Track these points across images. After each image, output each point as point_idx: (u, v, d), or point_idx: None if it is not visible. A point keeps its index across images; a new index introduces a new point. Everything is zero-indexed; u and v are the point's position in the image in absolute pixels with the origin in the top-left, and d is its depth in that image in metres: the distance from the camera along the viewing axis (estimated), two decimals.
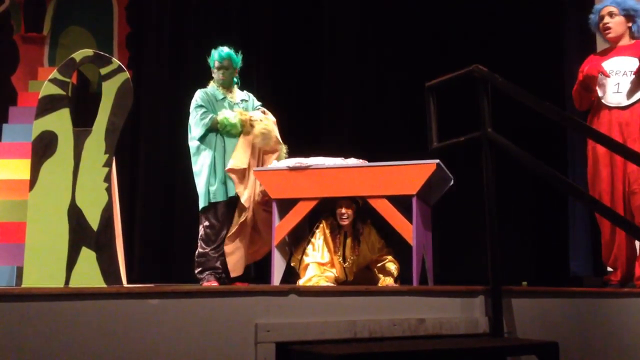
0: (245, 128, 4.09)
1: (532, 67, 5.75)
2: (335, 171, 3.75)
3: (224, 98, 4.27)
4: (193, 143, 4.18)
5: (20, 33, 5.62)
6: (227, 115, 4.10)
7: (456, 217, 5.45)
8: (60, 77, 3.24)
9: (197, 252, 4.11)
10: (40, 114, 3.17)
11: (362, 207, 3.79)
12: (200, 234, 4.11)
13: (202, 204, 4.09)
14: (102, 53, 3.37)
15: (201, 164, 4.13)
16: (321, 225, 3.84)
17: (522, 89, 2.98)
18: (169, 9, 6.01)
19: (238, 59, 4.34)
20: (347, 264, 3.81)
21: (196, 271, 4.08)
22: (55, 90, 3.21)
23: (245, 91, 4.48)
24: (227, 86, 4.32)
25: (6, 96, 5.33)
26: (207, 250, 4.05)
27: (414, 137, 5.10)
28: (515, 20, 5.96)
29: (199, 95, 4.23)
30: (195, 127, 4.15)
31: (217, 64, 4.29)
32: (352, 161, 3.85)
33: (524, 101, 2.99)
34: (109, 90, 3.24)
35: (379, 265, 3.83)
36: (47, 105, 3.18)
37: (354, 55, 6.05)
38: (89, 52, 3.35)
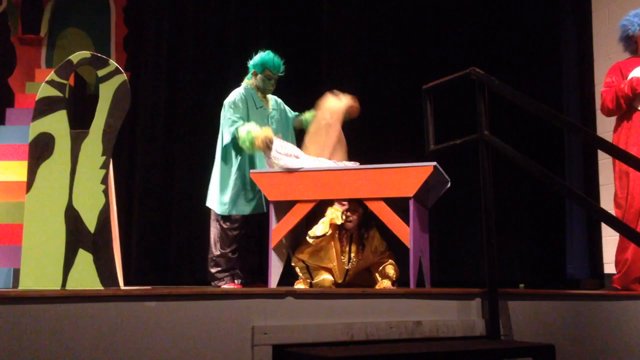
0: (258, 149, 3.89)
1: (529, 70, 5.77)
2: (333, 173, 3.76)
3: (262, 107, 4.19)
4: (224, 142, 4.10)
5: (18, 34, 5.62)
6: (245, 131, 3.88)
7: (453, 219, 5.47)
8: (57, 79, 3.23)
9: (215, 252, 4.08)
10: (38, 115, 3.17)
11: (368, 212, 3.80)
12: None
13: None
14: (99, 55, 3.36)
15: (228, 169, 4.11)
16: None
17: (518, 92, 2.99)
18: (167, 10, 6.01)
19: None
20: (349, 266, 3.81)
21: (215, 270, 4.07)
22: (53, 92, 3.20)
23: (274, 96, 4.38)
24: (268, 94, 4.25)
25: (3, 98, 5.33)
26: (226, 252, 4.05)
27: (411, 139, 5.11)
28: (512, 24, 5.98)
29: (235, 97, 4.11)
30: (226, 131, 4.05)
31: (269, 72, 4.15)
32: (345, 164, 3.87)
33: (520, 104, 2.99)
34: (106, 92, 3.23)
35: (380, 268, 3.83)
36: (44, 107, 3.18)
37: (352, 57, 6.06)
38: (86, 53, 3.35)
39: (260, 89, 4.22)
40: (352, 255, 3.81)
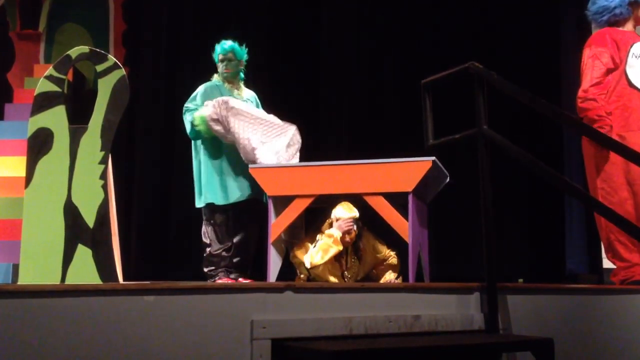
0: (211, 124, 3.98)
1: (528, 63, 5.76)
2: (332, 168, 3.76)
3: (230, 94, 4.22)
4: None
5: (16, 30, 5.61)
6: (198, 115, 4.03)
7: (452, 214, 5.47)
8: (56, 74, 3.22)
9: (208, 250, 4.14)
10: (36, 111, 3.16)
11: (360, 225, 3.78)
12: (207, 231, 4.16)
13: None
14: (98, 50, 3.36)
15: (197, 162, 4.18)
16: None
17: (517, 86, 2.98)
18: (166, 6, 6.00)
19: (243, 51, 4.32)
20: (349, 275, 3.80)
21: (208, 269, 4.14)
22: (51, 87, 3.20)
23: (251, 91, 4.44)
24: (232, 80, 4.29)
25: (2, 93, 5.32)
26: (222, 248, 4.10)
27: (409, 134, 5.10)
28: (511, 16, 5.97)
29: (198, 90, 4.23)
30: (186, 122, 4.17)
31: (220, 56, 4.27)
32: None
33: (519, 98, 2.99)
34: (105, 88, 3.23)
35: (384, 264, 3.85)
36: (43, 103, 3.17)
37: (351, 52, 6.06)
38: (84, 49, 3.34)
39: (222, 76, 4.29)
40: (349, 266, 3.80)
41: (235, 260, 4.16)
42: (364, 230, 3.84)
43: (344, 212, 3.70)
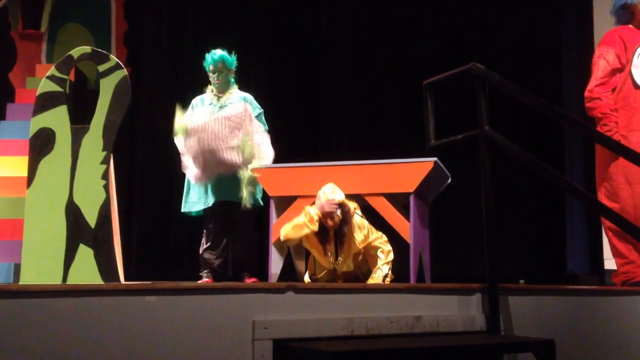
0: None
1: (530, 62, 5.77)
2: (333, 169, 3.76)
3: (211, 103, 4.23)
4: None
5: (18, 30, 5.61)
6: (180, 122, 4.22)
7: (454, 214, 5.47)
8: (57, 74, 3.23)
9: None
10: (38, 111, 3.17)
11: (347, 210, 3.64)
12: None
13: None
14: (100, 50, 3.36)
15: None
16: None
17: (519, 87, 2.98)
18: (167, 5, 6.01)
19: (232, 59, 4.25)
20: (337, 262, 3.72)
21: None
22: (53, 87, 3.20)
23: (246, 93, 4.35)
24: (222, 89, 4.25)
25: (4, 93, 5.32)
26: (203, 250, 4.17)
27: (411, 135, 5.10)
28: (512, 17, 5.98)
29: (188, 110, 4.35)
30: None
31: (211, 67, 4.24)
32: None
33: (521, 99, 2.98)
34: (107, 88, 3.23)
35: (371, 252, 3.71)
36: (45, 102, 3.18)
37: (352, 53, 6.06)
38: (86, 49, 3.35)
39: (214, 86, 4.28)
40: (336, 253, 3.71)
41: (219, 262, 4.14)
42: (349, 215, 3.63)
43: (328, 194, 3.54)
